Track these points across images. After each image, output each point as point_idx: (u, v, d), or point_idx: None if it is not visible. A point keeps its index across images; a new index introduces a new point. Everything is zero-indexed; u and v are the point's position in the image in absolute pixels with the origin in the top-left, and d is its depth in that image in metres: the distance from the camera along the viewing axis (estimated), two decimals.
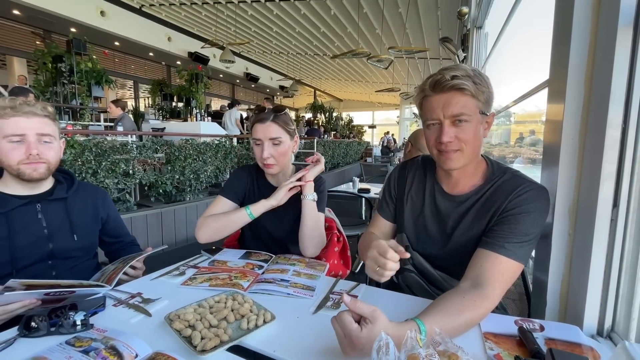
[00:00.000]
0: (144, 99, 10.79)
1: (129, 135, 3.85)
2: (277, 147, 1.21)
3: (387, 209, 1.07)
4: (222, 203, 1.27)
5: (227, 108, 7.60)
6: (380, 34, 7.85)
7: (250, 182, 1.34)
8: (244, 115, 7.84)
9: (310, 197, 1.22)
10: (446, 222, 0.94)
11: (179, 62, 9.77)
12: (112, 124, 5.17)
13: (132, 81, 10.23)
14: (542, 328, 0.74)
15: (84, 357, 0.62)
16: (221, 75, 11.72)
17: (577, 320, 0.77)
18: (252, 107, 12.85)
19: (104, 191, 1.32)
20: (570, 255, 0.83)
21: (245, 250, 1.24)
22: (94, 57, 6.15)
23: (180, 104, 8.31)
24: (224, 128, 6.53)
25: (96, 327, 0.73)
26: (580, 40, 0.79)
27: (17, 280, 0.78)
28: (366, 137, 18.67)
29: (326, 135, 11.50)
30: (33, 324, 0.72)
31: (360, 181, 3.39)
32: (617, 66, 0.69)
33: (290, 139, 1.25)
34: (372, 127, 21.36)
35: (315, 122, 12.73)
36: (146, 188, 3.46)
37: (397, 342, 0.51)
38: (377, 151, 15.31)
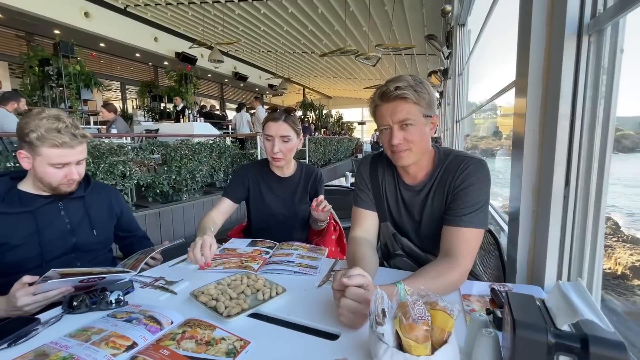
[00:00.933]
0: (132, 101, 10.69)
1: (124, 138, 3.90)
2: (285, 144, 1.39)
3: (367, 199, 1.14)
4: (223, 203, 1.44)
5: (236, 111, 7.87)
6: (367, 31, 7.98)
7: (254, 176, 1.48)
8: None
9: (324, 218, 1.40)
10: (413, 210, 1.08)
11: (166, 63, 9.72)
12: (103, 126, 5.18)
13: (119, 83, 10.13)
14: (510, 290, 0.88)
15: (128, 324, 0.73)
16: (209, 75, 11.69)
17: (540, 282, 0.92)
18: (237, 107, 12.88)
19: (116, 189, 1.42)
20: (534, 230, 0.98)
21: (251, 239, 1.35)
22: (81, 59, 6.11)
23: (170, 105, 8.31)
24: (234, 129, 6.66)
25: (130, 304, 0.84)
26: (537, 45, 0.93)
27: (56, 270, 0.88)
28: (356, 134, 18.85)
29: (317, 133, 11.61)
30: (75, 302, 0.83)
31: (353, 176, 3.53)
32: (565, 68, 0.84)
33: (297, 137, 1.43)
34: (361, 123, 21.54)
35: (306, 119, 12.82)
36: (143, 189, 3.53)
37: (388, 297, 0.64)
38: (367, 147, 15.51)
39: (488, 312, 0.74)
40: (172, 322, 0.75)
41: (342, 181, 3.40)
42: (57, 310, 0.83)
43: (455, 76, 4.90)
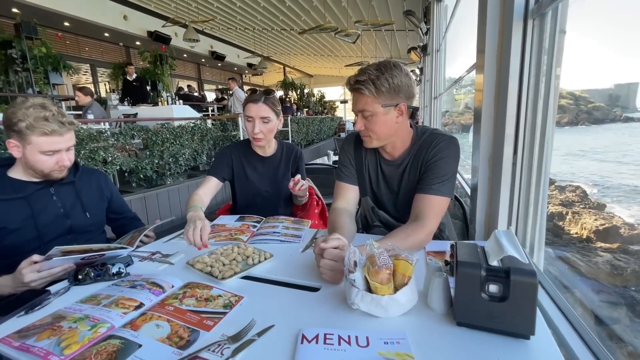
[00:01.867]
0: (104, 84, 10.23)
1: (102, 123, 3.81)
2: (266, 125, 1.46)
3: (349, 174, 1.24)
4: (209, 182, 1.51)
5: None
6: (347, 7, 7.84)
7: (238, 156, 1.56)
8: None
9: (304, 195, 1.50)
10: (392, 183, 1.20)
11: (138, 43, 9.27)
12: (77, 112, 5.01)
13: (89, 65, 9.63)
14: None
15: (133, 289, 0.82)
16: (185, 55, 11.25)
17: None
18: (220, 87, 12.52)
19: (105, 173, 1.47)
20: (490, 194, 1.11)
21: (239, 215, 1.45)
22: (46, 40, 5.78)
23: (148, 88, 8.01)
24: (230, 110, 6.56)
25: (132, 275, 0.93)
26: (493, 27, 1.03)
27: (58, 248, 0.95)
28: (339, 113, 18.80)
29: (299, 113, 11.54)
30: (80, 276, 0.91)
31: (335, 154, 3.62)
32: (514, 49, 0.94)
33: (276, 118, 1.50)
34: (344, 102, 21.42)
35: (287, 99, 12.66)
36: (126, 174, 3.51)
37: (360, 252, 0.76)
38: (350, 126, 15.56)
39: (446, 263, 0.88)
40: (172, 286, 0.84)
41: (325, 160, 3.50)
42: (64, 284, 0.91)
43: (433, 52, 4.97)
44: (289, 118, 7.32)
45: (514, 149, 0.99)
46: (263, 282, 0.87)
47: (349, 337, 0.59)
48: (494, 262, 0.62)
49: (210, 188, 1.49)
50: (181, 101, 6.96)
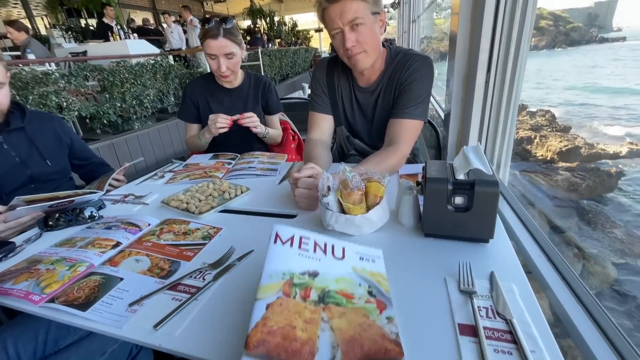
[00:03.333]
0: (41, 18, 8.89)
1: (47, 64, 3.38)
2: (231, 60, 1.36)
3: (323, 103, 1.19)
4: (189, 128, 1.50)
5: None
6: None
7: (201, 92, 1.46)
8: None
9: (259, 131, 1.44)
10: (366, 111, 1.16)
11: None
12: (17, 52, 4.40)
13: None
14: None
15: (108, 230, 0.81)
16: None
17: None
18: (178, 18, 11.16)
19: (59, 117, 1.35)
20: (463, 115, 1.11)
21: (212, 154, 1.41)
22: None
23: (93, 22, 7.02)
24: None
25: (106, 216, 0.92)
26: None
27: (20, 198, 0.90)
28: (314, 43, 17.52)
29: (270, 44, 10.67)
30: (50, 222, 0.88)
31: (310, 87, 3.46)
32: None
33: (240, 49, 1.37)
34: (318, 30, 19.82)
35: (256, 29, 11.56)
36: (87, 120, 3.27)
37: (333, 177, 0.76)
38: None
39: (417, 184, 0.91)
40: (149, 224, 0.84)
41: (300, 94, 3.35)
42: (35, 231, 0.88)
43: None
44: (259, 50, 6.76)
45: (488, 68, 0.96)
46: (241, 214, 0.89)
47: (325, 244, 0.55)
48: (461, 176, 0.64)
49: (195, 133, 1.47)
50: (136, 35, 6.19)
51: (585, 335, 0.50)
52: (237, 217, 0.87)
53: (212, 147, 1.52)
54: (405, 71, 1.02)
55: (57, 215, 0.89)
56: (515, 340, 0.44)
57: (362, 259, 0.56)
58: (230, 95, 1.47)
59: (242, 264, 0.66)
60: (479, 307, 0.49)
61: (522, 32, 0.89)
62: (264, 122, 1.58)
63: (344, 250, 0.56)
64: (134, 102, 3.60)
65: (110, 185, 1.16)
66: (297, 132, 1.77)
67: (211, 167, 1.23)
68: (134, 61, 3.85)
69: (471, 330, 0.46)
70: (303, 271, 0.49)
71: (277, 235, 0.54)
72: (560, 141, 9.06)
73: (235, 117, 1.33)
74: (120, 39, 5.85)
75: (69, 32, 7.24)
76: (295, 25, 15.22)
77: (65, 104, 2.89)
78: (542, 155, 8.80)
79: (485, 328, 0.46)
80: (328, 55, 1.63)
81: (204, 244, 0.73)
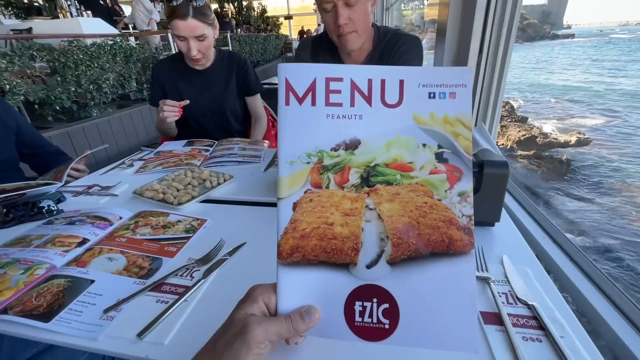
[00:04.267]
0: None
1: None
2: (202, 43, 1.23)
3: None
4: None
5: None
6: None
7: (168, 74, 1.34)
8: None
9: None
10: None
11: None
12: None
13: None
14: None
15: (71, 226, 0.70)
16: None
17: None
18: None
19: (4, 100, 1.17)
20: None
21: (187, 140, 1.29)
22: None
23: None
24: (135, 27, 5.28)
25: (67, 210, 0.80)
26: None
27: None
28: (284, 30, 17.09)
29: (239, 30, 10.25)
30: None
31: None
32: None
33: (212, 29, 1.25)
34: (288, 17, 19.36)
35: (224, 12, 11.04)
36: (37, 106, 2.93)
37: None
38: (296, 45, 14.38)
39: None
40: (120, 218, 0.74)
41: (275, 80, 3.23)
42: None
43: None
44: (228, 35, 6.45)
45: (480, 49, 0.95)
46: (226, 204, 0.81)
47: (369, 83, 0.34)
48: None
49: None
50: (89, 12, 5.63)
51: (601, 312, 0.49)
52: (222, 207, 0.79)
53: (185, 134, 1.40)
54: (396, 51, 0.98)
55: (4, 210, 0.76)
56: (541, 327, 0.41)
57: (433, 95, 0.34)
58: (202, 77, 1.35)
59: (235, 258, 0.59)
60: (498, 292, 0.47)
61: (512, 24, 0.88)
62: (242, 105, 1.48)
63: (401, 85, 0.34)
64: (91, 86, 3.27)
65: (69, 176, 1.03)
66: (277, 119, 1.69)
67: (187, 155, 1.13)
68: (88, 41, 3.49)
69: (495, 319, 0.43)
70: (337, 143, 0.34)
71: (288, 89, 0.34)
72: (519, 131, 9.62)
73: (183, 103, 1.19)
74: (72, 16, 5.29)
75: (9, 8, 6.44)
76: (264, 10, 14.74)
77: (8, 86, 2.56)
78: (503, 145, 9.30)
79: (509, 315, 0.43)
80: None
81: (188, 238, 0.65)
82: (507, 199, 0.84)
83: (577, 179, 8.49)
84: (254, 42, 7.98)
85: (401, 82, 0.34)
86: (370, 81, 0.34)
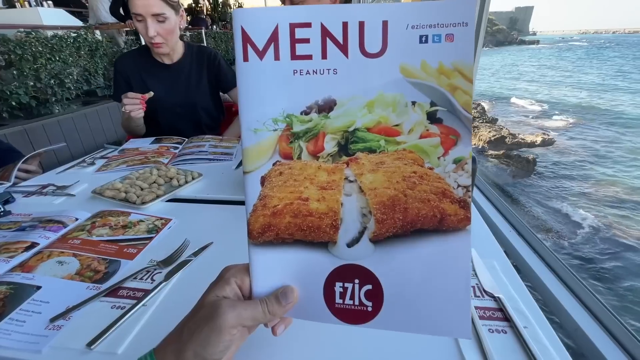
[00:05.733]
0: None
1: None
2: (162, 24, 1.15)
3: None
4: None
5: None
6: None
7: (133, 67, 1.27)
8: None
9: None
10: None
11: None
12: None
13: None
14: None
15: (21, 232, 0.64)
16: None
17: None
18: None
19: None
20: None
21: (154, 137, 1.23)
22: None
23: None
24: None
25: (16, 213, 0.73)
26: None
27: None
28: None
29: (215, 27, 10.00)
30: None
31: None
32: None
33: (175, 13, 1.18)
34: None
35: (199, 9, 10.74)
36: None
37: None
38: None
39: None
40: (76, 219, 0.69)
41: None
42: None
43: None
44: (202, 31, 6.28)
45: None
46: (193, 203, 0.77)
47: (344, 27, 0.27)
48: None
49: None
50: (51, 2, 5.29)
51: (563, 303, 0.51)
52: (189, 207, 0.76)
53: (154, 132, 1.33)
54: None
55: None
56: (506, 318, 0.42)
57: (425, 39, 0.27)
58: (170, 71, 1.28)
59: (200, 259, 0.56)
60: None
61: (480, 28, 0.90)
62: (215, 102, 1.42)
63: (385, 28, 0.27)
64: (52, 81, 3.07)
65: (17, 177, 0.95)
66: None
67: (154, 152, 1.07)
68: (49, 33, 3.28)
69: None
70: (307, 105, 0.29)
71: (245, 41, 0.28)
72: (490, 131, 10.05)
73: (147, 95, 1.12)
74: (30, 6, 4.95)
75: None
76: (240, 6, 14.47)
77: None
78: (474, 145, 9.69)
79: (476, 308, 0.43)
80: None
81: (150, 238, 0.61)
82: (477, 195, 0.86)
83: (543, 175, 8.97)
84: (230, 39, 7.82)
85: (384, 24, 0.27)
86: (345, 25, 0.27)
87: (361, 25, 0.27)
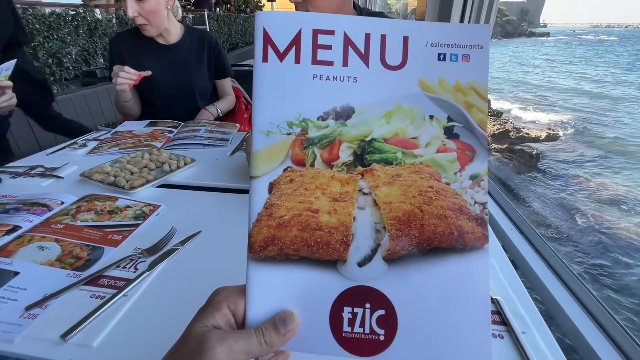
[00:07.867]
0: None
1: None
2: (142, 4, 1.09)
3: None
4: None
5: None
6: None
7: (130, 46, 1.22)
8: None
9: (210, 116, 1.30)
10: None
11: None
12: None
13: None
14: None
15: (4, 215, 0.62)
16: None
17: None
18: None
19: None
20: None
21: (149, 120, 1.20)
22: None
23: None
24: None
25: (1, 195, 0.71)
26: None
27: None
28: None
29: (218, 9, 9.78)
30: None
31: None
32: None
33: None
34: (271, 0, 18.72)
35: None
36: None
37: None
38: None
39: None
40: (62, 203, 0.66)
41: (252, 62, 3.10)
42: None
43: None
44: (205, 13, 6.14)
45: (461, 14, 0.93)
46: (184, 189, 0.75)
47: (367, 38, 0.28)
48: None
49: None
50: None
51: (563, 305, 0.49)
52: (179, 193, 0.73)
53: (149, 114, 1.30)
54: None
55: None
56: (504, 322, 0.40)
57: (443, 57, 0.28)
58: (167, 52, 1.24)
59: (187, 248, 0.54)
60: None
61: (489, 18, 0.86)
62: (213, 90, 1.39)
63: (406, 43, 0.28)
64: (50, 60, 3.02)
65: None
66: (250, 101, 1.61)
67: (147, 135, 1.04)
68: (47, 10, 3.20)
69: None
70: (325, 111, 0.28)
71: (266, 42, 0.28)
72: (494, 125, 9.93)
73: (144, 73, 1.09)
74: None
75: None
76: None
77: None
78: None
79: None
80: None
81: (137, 225, 0.59)
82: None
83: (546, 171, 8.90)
84: (234, 22, 7.66)
85: (405, 40, 0.28)
86: (367, 36, 0.28)
87: (383, 38, 0.28)
